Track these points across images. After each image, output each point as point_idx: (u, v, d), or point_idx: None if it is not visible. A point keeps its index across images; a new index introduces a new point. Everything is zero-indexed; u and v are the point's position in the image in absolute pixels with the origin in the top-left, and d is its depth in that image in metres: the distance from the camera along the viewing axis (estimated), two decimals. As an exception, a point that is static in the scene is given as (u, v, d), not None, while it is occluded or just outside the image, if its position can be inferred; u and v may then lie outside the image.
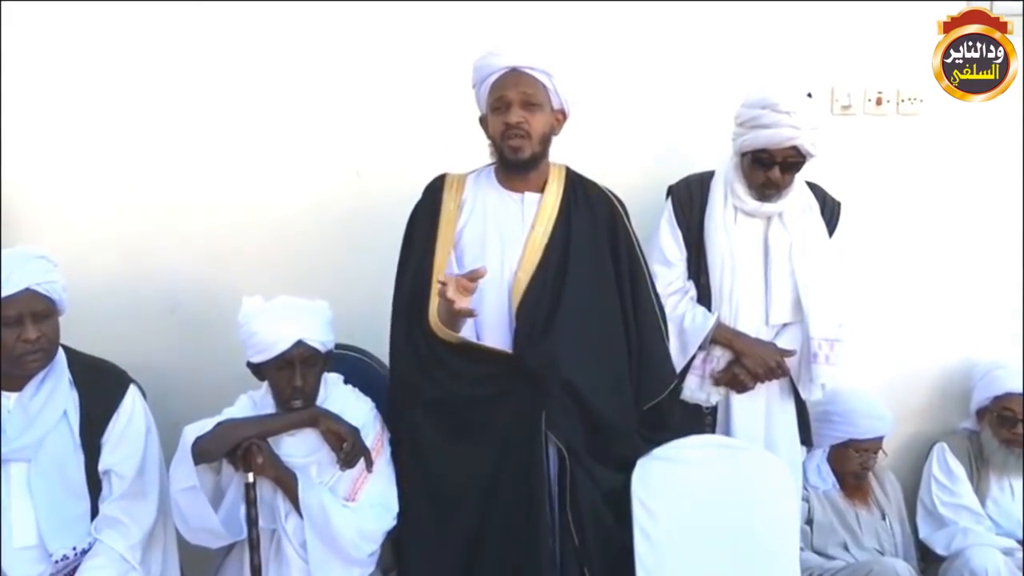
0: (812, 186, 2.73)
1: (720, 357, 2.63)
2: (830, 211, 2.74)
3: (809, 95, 2.57)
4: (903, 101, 3.09)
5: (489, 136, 2.28)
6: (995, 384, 3.00)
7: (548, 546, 2.20)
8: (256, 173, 2.92)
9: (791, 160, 2.52)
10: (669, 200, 2.71)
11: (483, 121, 2.31)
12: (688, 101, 2.95)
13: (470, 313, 2.08)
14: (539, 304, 2.21)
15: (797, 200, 2.66)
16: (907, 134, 3.10)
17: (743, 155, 2.59)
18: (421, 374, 2.26)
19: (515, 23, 2.88)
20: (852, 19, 2.99)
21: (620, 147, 2.96)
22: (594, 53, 2.90)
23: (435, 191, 2.32)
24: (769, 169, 2.54)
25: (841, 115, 3.08)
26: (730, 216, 2.64)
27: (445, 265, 2.22)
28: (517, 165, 2.25)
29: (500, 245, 2.26)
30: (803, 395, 2.71)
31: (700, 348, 2.60)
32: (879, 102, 3.09)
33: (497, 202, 2.31)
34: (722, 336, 2.60)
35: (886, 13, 2.98)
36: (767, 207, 2.61)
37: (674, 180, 2.75)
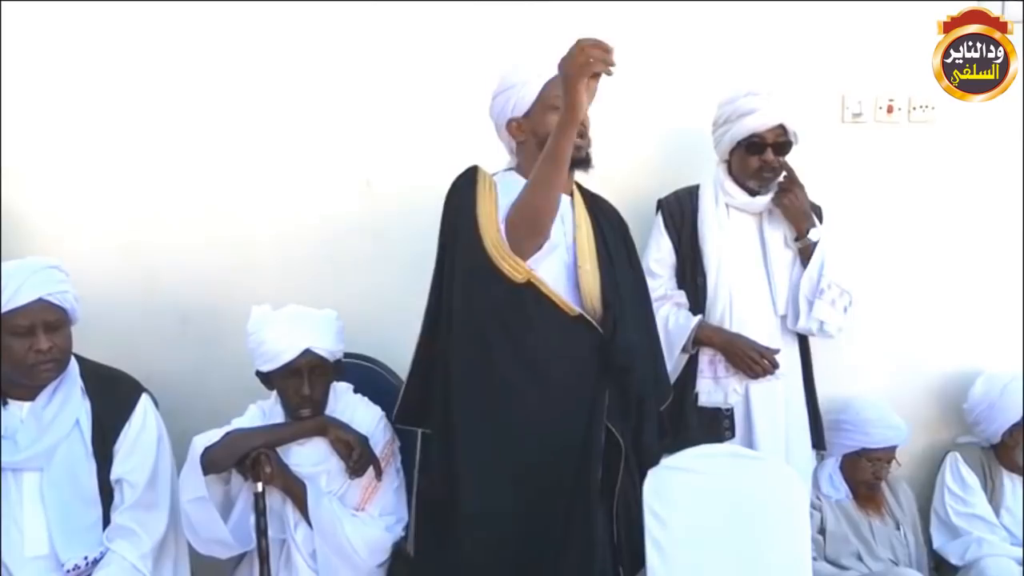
0: None
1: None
2: (814, 213, 2.77)
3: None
4: (914, 109, 3.07)
5: (529, 136, 2.21)
6: (1019, 398, 2.93)
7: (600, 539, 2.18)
8: (267, 184, 2.93)
9: (781, 140, 2.61)
10: (659, 213, 2.77)
11: (513, 125, 2.23)
12: (696, 113, 2.93)
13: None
14: (614, 294, 2.20)
15: None
16: (918, 142, 3.08)
17: (733, 150, 2.65)
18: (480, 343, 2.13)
19: (519, 39, 2.88)
20: (861, 26, 2.98)
21: (613, 162, 2.93)
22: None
23: (469, 176, 2.23)
24: (762, 153, 2.61)
25: (852, 123, 3.06)
26: (723, 213, 2.70)
27: (493, 213, 2.11)
28: (580, 162, 2.21)
29: (551, 242, 2.18)
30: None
31: (683, 350, 2.63)
32: (890, 110, 3.07)
33: None
34: (704, 335, 2.63)
35: (896, 20, 2.97)
36: (759, 200, 2.67)
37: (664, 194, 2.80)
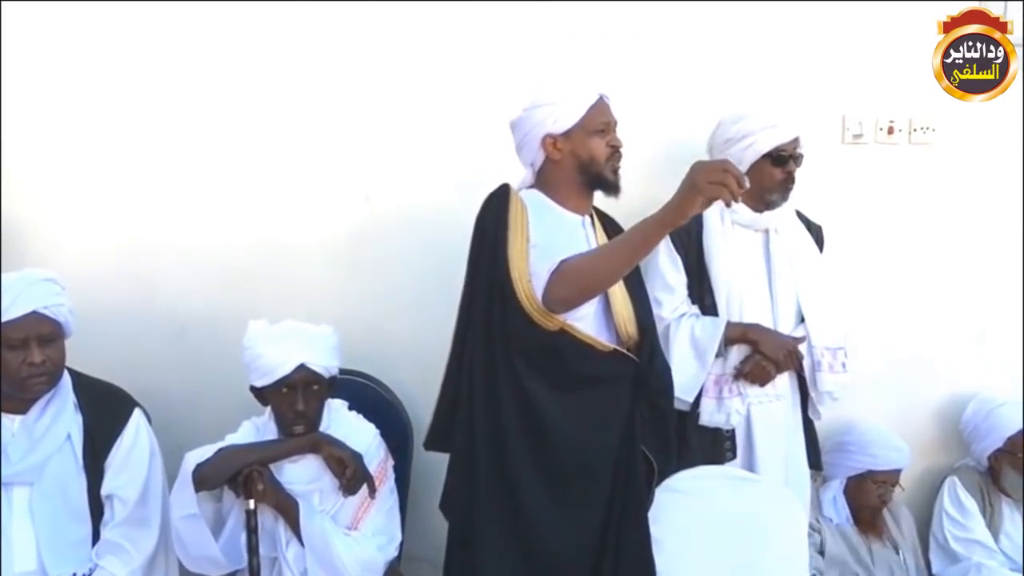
0: (795, 212, 2.79)
1: (735, 354, 2.63)
2: (815, 234, 2.80)
3: None
4: (915, 130, 3.07)
5: (567, 155, 2.17)
6: (1003, 423, 2.94)
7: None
8: (265, 197, 2.92)
9: (799, 152, 2.65)
10: None
11: (549, 140, 2.17)
12: (697, 132, 2.93)
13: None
14: (648, 318, 2.22)
15: (788, 218, 2.74)
16: (919, 163, 3.07)
17: (753, 165, 2.62)
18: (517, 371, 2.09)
19: (517, 56, 2.88)
20: (863, 48, 2.98)
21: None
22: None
23: (501, 200, 2.17)
24: (786, 164, 2.63)
25: (852, 144, 3.06)
26: (728, 231, 2.68)
27: (524, 259, 2.06)
28: (614, 187, 2.20)
29: None
30: (815, 410, 2.74)
31: (718, 356, 2.59)
32: (891, 131, 3.06)
33: (570, 223, 2.22)
34: (735, 332, 2.61)
35: (897, 42, 2.97)
36: (765, 218, 2.67)
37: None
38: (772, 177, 2.64)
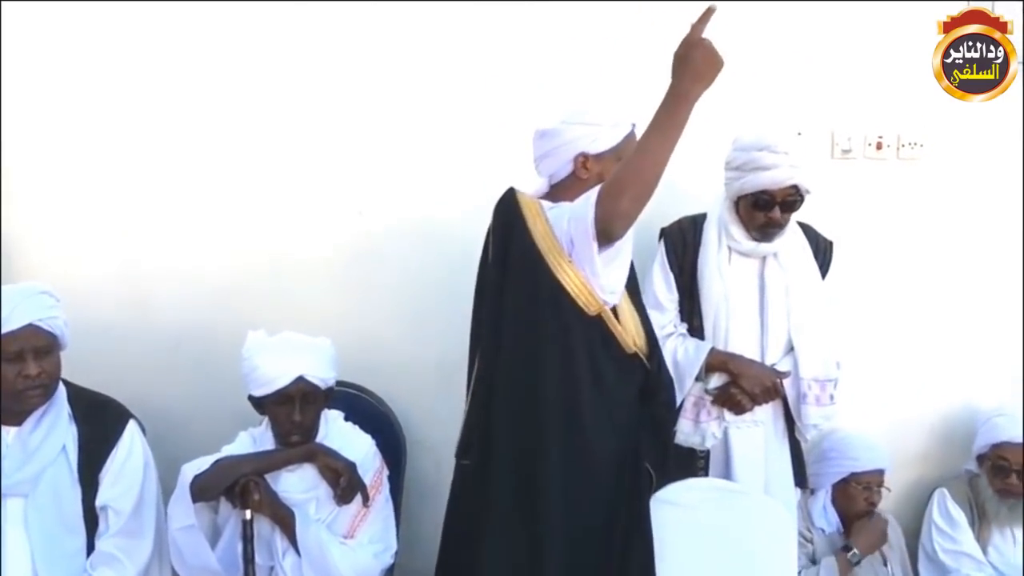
0: (804, 227, 2.74)
1: (717, 380, 2.62)
2: (823, 252, 2.74)
3: (799, 133, 2.65)
4: (903, 146, 3.08)
5: (594, 178, 2.14)
6: (994, 431, 2.94)
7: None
8: (259, 212, 2.94)
9: (790, 199, 2.54)
10: (662, 243, 2.72)
11: (581, 159, 2.16)
12: (684, 144, 2.95)
13: None
14: (652, 330, 2.22)
15: (791, 240, 2.67)
16: (907, 179, 3.10)
17: (740, 198, 2.59)
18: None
19: (515, 73, 2.91)
20: (853, 64, 3.00)
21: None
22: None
23: (510, 195, 2.16)
24: (770, 210, 2.54)
25: (841, 159, 3.08)
26: (724, 257, 2.64)
27: (568, 261, 2.03)
28: None
29: None
30: (802, 434, 2.71)
31: (697, 379, 2.59)
32: (879, 147, 3.08)
33: None
34: (717, 360, 2.59)
35: (887, 58, 2.99)
36: (764, 247, 2.61)
37: (667, 222, 2.75)
38: (752, 219, 2.57)
